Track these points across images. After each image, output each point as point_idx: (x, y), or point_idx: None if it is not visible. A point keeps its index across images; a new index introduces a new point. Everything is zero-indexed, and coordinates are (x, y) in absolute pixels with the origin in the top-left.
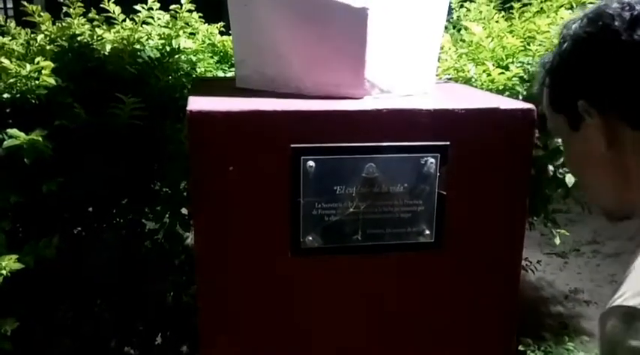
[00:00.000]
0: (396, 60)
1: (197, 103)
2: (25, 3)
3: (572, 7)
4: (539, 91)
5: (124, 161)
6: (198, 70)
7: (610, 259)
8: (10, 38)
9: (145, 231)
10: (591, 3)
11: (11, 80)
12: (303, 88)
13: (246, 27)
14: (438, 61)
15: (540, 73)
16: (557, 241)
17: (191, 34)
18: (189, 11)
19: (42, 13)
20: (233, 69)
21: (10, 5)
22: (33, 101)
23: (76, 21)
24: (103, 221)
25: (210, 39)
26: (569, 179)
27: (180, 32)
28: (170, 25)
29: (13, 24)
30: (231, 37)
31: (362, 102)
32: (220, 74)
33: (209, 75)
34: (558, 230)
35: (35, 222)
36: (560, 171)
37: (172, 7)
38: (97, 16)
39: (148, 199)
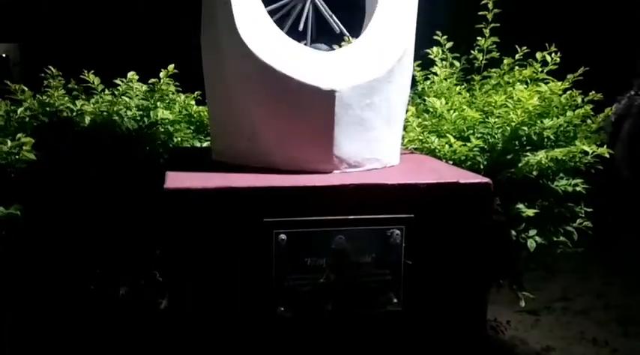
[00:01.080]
0: (363, 136)
1: (174, 180)
2: (9, 83)
3: (527, 83)
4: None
5: (102, 229)
6: (175, 140)
7: (580, 316)
8: None
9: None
10: (544, 79)
11: None
12: (276, 162)
13: (221, 104)
14: (404, 130)
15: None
16: (523, 303)
17: (168, 103)
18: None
19: (24, 88)
20: (209, 138)
21: None
22: (12, 175)
23: (56, 93)
24: (77, 286)
25: (187, 109)
26: (531, 243)
27: (158, 103)
28: (148, 97)
29: None
30: (207, 107)
31: (331, 177)
32: (197, 144)
33: (186, 144)
34: (524, 292)
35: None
36: (522, 235)
37: (151, 80)
38: (76, 86)
39: (121, 267)
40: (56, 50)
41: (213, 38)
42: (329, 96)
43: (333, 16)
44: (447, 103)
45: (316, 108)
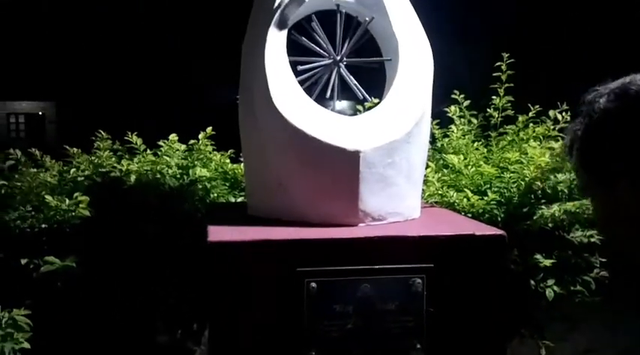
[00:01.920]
0: (386, 192)
1: (216, 233)
2: (67, 147)
3: (540, 140)
4: (567, 152)
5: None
6: (212, 196)
7: None
8: (44, 170)
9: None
10: (556, 136)
11: (51, 213)
12: (306, 216)
13: (256, 163)
14: (424, 185)
15: (569, 136)
16: (543, 353)
17: (205, 162)
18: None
19: (77, 150)
20: (242, 193)
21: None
22: (67, 230)
23: (104, 154)
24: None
25: (222, 167)
26: (549, 293)
27: (196, 162)
28: (187, 156)
29: (48, 157)
30: (241, 165)
31: (357, 230)
32: (232, 199)
33: (222, 200)
34: (544, 342)
35: None
36: (541, 285)
37: (191, 141)
38: (120, 147)
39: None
40: (91, 109)
41: (249, 102)
42: (354, 156)
43: (357, 84)
44: (464, 159)
45: (343, 167)
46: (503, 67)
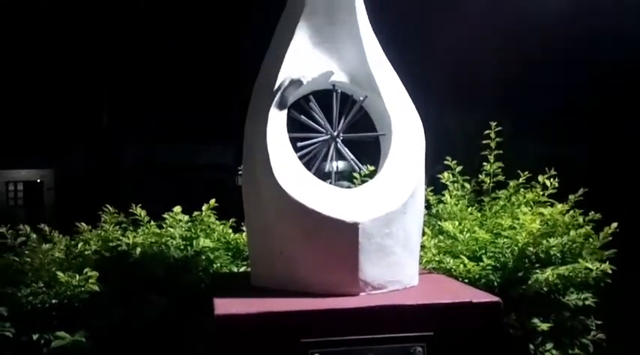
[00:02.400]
0: (384, 261)
1: (222, 306)
2: (79, 223)
3: (531, 206)
4: None
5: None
6: (215, 266)
7: None
8: (51, 245)
9: None
10: (547, 202)
11: (62, 288)
12: (308, 286)
13: (258, 234)
14: (422, 251)
15: None
16: None
17: (207, 232)
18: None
19: (85, 225)
20: (245, 263)
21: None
22: (76, 305)
23: (110, 228)
24: None
25: (225, 237)
26: None
27: (199, 233)
28: (190, 227)
29: (56, 233)
30: (242, 234)
31: (358, 300)
32: (234, 269)
33: (224, 270)
34: None
35: None
36: (540, 349)
37: (195, 213)
38: (125, 219)
39: None
40: (90, 176)
41: (252, 177)
42: (353, 228)
43: (354, 158)
44: (459, 224)
45: (342, 238)
46: (492, 135)
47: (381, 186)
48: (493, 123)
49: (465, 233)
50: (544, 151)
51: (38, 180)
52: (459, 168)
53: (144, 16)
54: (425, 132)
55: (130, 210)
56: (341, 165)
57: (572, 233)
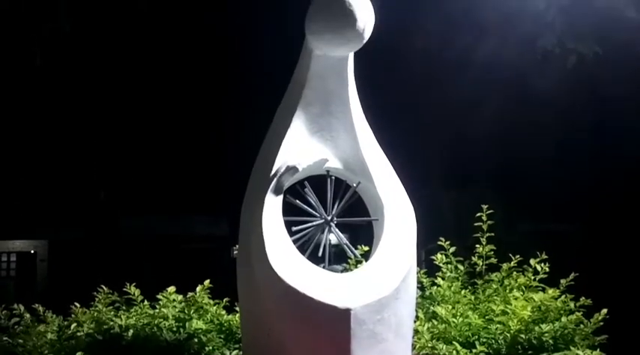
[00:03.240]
0: (376, 348)
1: None
2: (73, 305)
3: (523, 291)
4: None
5: None
6: (207, 349)
7: None
8: (45, 326)
9: None
10: (537, 287)
11: None
12: None
13: (252, 317)
14: (415, 336)
15: None
16: None
17: (201, 313)
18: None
19: (77, 306)
20: (237, 345)
21: None
22: None
23: (104, 308)
24: None
25: (218, 318)
26: None
27: (193, 314)
28: (184, 308)
29: (49, 313)
30: (235, 316)
31: None
32: (226, 352)
33: (217, 353)
34: None
35: None
36: None
37: (190, 294)
38: (118, 298)
39: None
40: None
41: (247, 260)
42: (345, 314)
43: (347, 243)
44: (452, 308)
45: (334, 324)
46: (484, 217)
47: (373, 271)
48: (484, 206)
49: (458, 317)
50: (540, 229)
51: (32, 251)
52: (452, 249)
53: (139, 98)
54: (417, 211)
55: (124, 289)
56: (334, 239)
57: (563, 319)
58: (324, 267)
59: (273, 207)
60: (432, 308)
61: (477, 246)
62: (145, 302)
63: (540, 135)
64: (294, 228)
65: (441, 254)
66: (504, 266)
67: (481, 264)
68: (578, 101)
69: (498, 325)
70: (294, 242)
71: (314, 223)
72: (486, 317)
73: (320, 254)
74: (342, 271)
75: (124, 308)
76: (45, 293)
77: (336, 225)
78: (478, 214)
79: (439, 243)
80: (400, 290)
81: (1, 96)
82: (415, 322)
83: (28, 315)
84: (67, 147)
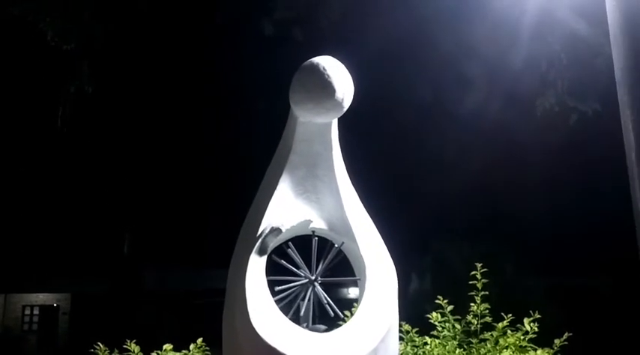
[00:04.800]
0: None
1: None
2: None
3: (514, 351)
4: None
5: None
6: None
7: None
8: None
9: None
10: (526, 347)
11: None
12: None
13: None
14: None
15: None
16: None
17: None
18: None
19: None
20: None
21: None
22: None
23: None
24: None
25: None
26: None
27: None
28: None
29: None
30: None
31: None
32: None
33: None
34: None
35: None
36: None
37: (183, 352)
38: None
39: None
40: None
41: (231, 319)
42: None
43: (331, 302)
44: None
45: None
46: (478, 276)
47: (352, 331)
48: (479, 265)
49: None
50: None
51: (55, 305)
52: (450, 308)
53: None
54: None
55: (124, 346)
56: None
57: None
58: (306, 326)
59: (256, 267)
60: None
61: (472, 304)
62: None
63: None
64: (277, 288)
65: (437, 313)
66: (500, 324)
67: (476, 323)
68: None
69: None
70: (281, 301)
71: (298, 283)
72: None
73: (301, 314)
74: (324, 330)
75: None
76: (66, 346)
77: (322, 284)
78: (472, 273)
79: (437, 301)
80: (379, 351)
81: (27, 149)
82: None
83: None
84: (94, 201)
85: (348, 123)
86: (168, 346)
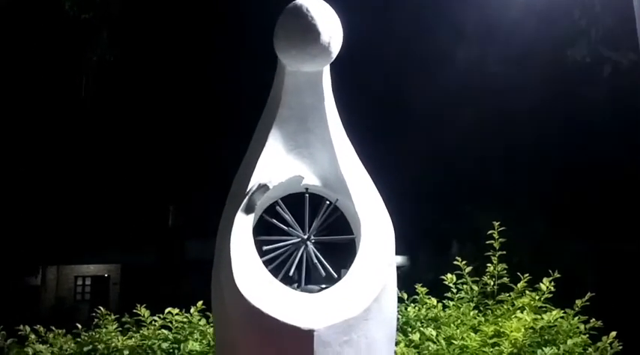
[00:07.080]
0: None
1: None
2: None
3: (529, 312)
4: None
5: None
6: None
7: None
8: (47, 345)
9: None
10: (542, 307)
11: None
12: None
13: (222, 340)
14: None
15: None
16: None
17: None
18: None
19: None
20: None
21: None
22: None
23: (104, 330)
24: None
25: (213, 340)
26: None
27: (189, 336)
28: (180, 330)
29: (51, 334)
30: None
31: None
32: None
33: None
34: None
35: None
36: None
37: (192, 310)
38: (129, 319)
39: None
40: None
41: (217, 276)
42: (308, 335)
43: (324, 261)
44: (456, 329)
45: (297, 345)
46: (495, 235)
47: (344, 291)
48: (496, 223)
49: (458, 339)
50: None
51: (105, 275)
52: (468, 269)
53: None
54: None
55: (134, 310)
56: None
57: (569, 342)
58: (298, 287)
59: (243, 226)
60: (426, 330)
61: (488, 265)
62: (156, 323)
63: None
64: (265, 247)
65: (452, 274)
66: (519, 285)
67: (492, 283)
68: None
69: (493, 348)
70: (271, 261)
71: (289, 242)
72: (490, 339)
73: (291, 273)
74: (319, 290)
75: (133, 329)
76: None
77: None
78: (490, 232)
79: (455, 262)
80: (371, 311)
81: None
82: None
83: None
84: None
85: (345, 73)
86: (173, 310)
